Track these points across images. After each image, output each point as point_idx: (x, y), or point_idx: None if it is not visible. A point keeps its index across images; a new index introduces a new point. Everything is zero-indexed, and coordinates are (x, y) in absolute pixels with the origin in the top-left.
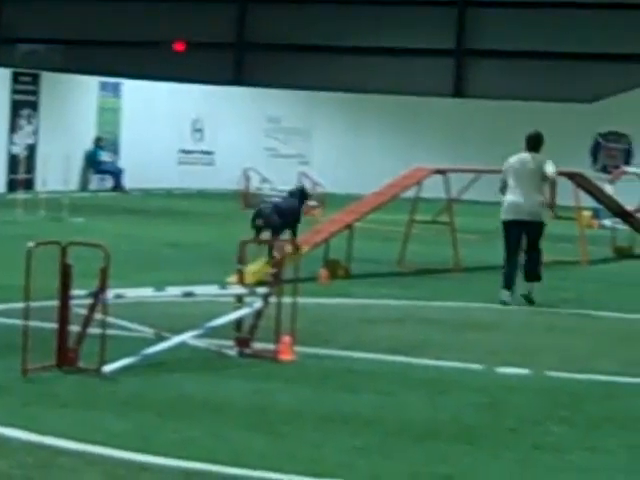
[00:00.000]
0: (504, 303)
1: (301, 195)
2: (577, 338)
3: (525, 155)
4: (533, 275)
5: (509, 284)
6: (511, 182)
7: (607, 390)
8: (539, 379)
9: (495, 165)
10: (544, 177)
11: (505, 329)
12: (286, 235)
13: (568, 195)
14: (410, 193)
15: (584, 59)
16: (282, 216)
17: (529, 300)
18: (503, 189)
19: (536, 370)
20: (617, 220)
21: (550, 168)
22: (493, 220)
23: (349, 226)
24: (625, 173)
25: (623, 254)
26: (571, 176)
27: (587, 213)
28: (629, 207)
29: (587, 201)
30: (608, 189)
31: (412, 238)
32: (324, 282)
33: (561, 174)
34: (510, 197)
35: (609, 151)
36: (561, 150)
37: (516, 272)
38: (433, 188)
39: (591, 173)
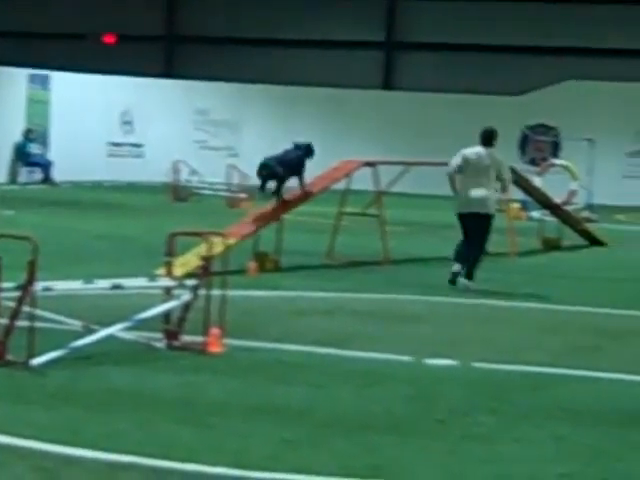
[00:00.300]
0: (455, 274)
1: (307, 149)
2: (505, 329)
3: (481, 150)
4: (468, 265)
5: (459, 260)
6: (466, 176)
7: (534, 381)
8: (467, 370)
9: (424, 157)
10: (499, 175)
11: (433, 321)
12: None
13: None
14: (340, 185)
15: (512, 52)
16: (286, 167)
17: (452, 280)
18: (452, 180)
19: (464, 361)
20: (545, 212)
21: (508, 174)
22: (422, 212)
23: (278, 218)
24: (553, 165)
25: (551, 246)
26: None
27: (515, 205)
28: (557, 199)
29: (515, 193)
30: (536, 181)
31: (341, 230)
32: (253, 274)
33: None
34: (464, 191)
35: (537, 144)
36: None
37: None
38: (362, 180)
39: (519, 166)
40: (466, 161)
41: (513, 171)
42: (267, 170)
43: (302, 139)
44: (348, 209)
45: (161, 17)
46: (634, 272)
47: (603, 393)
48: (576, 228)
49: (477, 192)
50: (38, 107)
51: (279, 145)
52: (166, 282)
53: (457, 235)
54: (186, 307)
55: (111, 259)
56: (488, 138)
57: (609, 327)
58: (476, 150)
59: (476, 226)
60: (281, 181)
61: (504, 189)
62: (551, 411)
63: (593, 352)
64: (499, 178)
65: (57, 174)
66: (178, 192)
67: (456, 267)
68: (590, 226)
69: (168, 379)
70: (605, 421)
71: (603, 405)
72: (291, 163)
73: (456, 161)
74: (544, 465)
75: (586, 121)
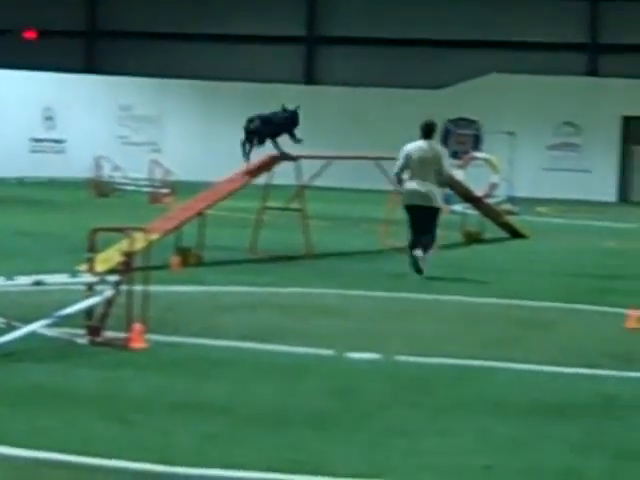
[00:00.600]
0: (415, 258)
1: (293, 114)
2: (427, 322)
3: (422, 143)
4: (425, 247)
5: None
6: (410, 170)
7: (456, 373)
8: (389, 364)
9: (346, 151)
10: (440, 170)
11: (355, 314)
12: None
13: None
14: (262, 180)
15: (434, 46)
16: (270, 126)
17: (417, 267)
18: (400, 174)
19: (386, 355)
20: (467, 205)
21: (447, 170)
22: (344, 206)
23: (201, 213)
24: (474, 159)
25: (472, 239)
26: None
27: None
28: (478, 192)
29: None
30: (458, 175)
31: (264, 225)
32: (176, 270)
33: None
34: (409, 184)
35: (459, 137)
36: (411, 136)
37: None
38: (284, 175)
39: None
40: (409, 157)
41: None
42: (253, 124)
43: (230, 133)
44: (270, 204)
45: (82, 12)
46: (555, 264)
47: (525, 385)
48: (497, 221)
49: (421, 186)
50: None
51: (202, 140)
52: (88, 278)
53: (378, 229)
54: (108, 303)
55: (33, 255)
56: (428, 131)
57: (531, 319)
58: (418, 144)
59: (423, 218)
60: (261, 140)
61: (441, 184)
62: (474, 403)
63: (515, 344)
64: (438, 172)
65: None
66: (101, 188)
67: (418, 252)
68: (511, 219)
69: (91, 375)
70: (527, 413)
71: (525, 397)
72: (275, 123)
73: (399, 163)
74: (467, 457)
75: (507, 114)
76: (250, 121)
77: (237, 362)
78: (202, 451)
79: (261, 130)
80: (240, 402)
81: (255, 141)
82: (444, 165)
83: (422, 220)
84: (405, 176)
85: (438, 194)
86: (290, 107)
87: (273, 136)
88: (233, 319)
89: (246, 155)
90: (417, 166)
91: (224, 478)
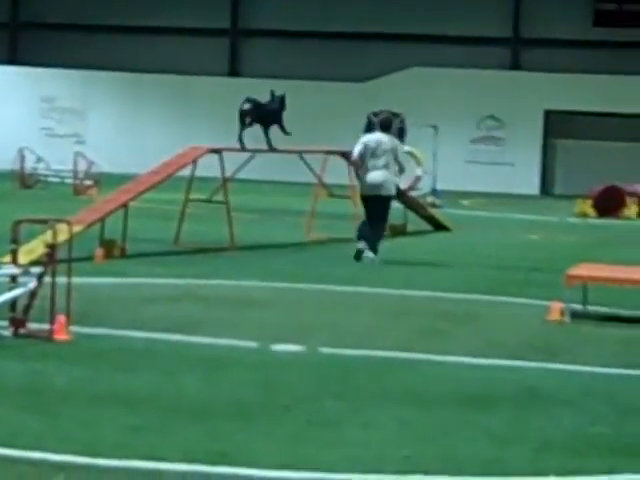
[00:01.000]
0: (358, 250)
1: (281, 100)
2: (351, 314)
3: (380, 136)
4: (371, 243)
5: (363, 238)
6: (367, 161)
7: (380, 365)
8: (313, 355)
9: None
10: (397, 160)
11: (280, 306)
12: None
13: (342, 174)
14: (186, 172)
15: (357, 39)
16: (262, 111)
17: (357, 257)
18: (357, 165)
19: (310, 347)
20: None
21: (403, 160)
22: (268, 199)
23: (124, 205)
24: None
25: (396, 231)
26: (344, 155)
27: None
28: (402, 185)
29: None
30: None
31: (188, 217)
32: (100, 262)
33: (335, 153)
34: (367, 175)
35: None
36: (336, 129)
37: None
38: (209, 167)
39: None
40: (367, 148)
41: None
42: (246, 105)
43: (155, 125)
44: (194, 196)
45: (4, 4)
46: (478, 257)
47: (447, 376)
48: (421, 213)
49: (377, 176)
50: None
51: (126, 132)
52: (11, 270)
53: (302, 222)
54: (32, 295)
55: None
56: (386, 125)
57: (454, 311)
58: (376, 137)
59: (377, 206)
60: (250, 122)
61: (401, 171)
62: (397, 395)
63: (438, 336)
64: (396, 162)
65: None
66: (24, 180)
67: (361, 244)
68: (435, 211)
69: (14, 367)
70: (449, 404)
71: (447, 388)
72: (266, 111)
73: (358, 150)
74: (389, 448)
75: (430, 108)
76: (244, 102)
77: (161, 354)
78: (126, 443)
79: (253, 111)
80: (164, 394)
81: (247, 121)
82: (400, 156)
83: (374, 207)
84: (361, 170)
85: (394, 183)
86: (278, 93)
87: (264, 123)
88: (157, 311)
89: (240, 139)
90: (373, 157)
91: (148, 470)
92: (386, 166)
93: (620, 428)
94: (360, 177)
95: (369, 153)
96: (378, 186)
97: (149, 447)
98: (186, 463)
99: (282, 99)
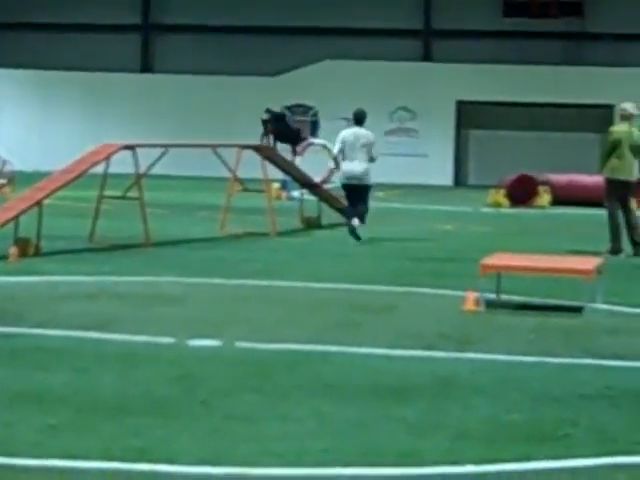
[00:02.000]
0: (353, 226)
1: (313, 123)
2: (267, 308)
3: (357, 130)
4: (361, 217)
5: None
6: (346, 153)
7: (296, 358)
8: (229, 350)
9: (183, 139)
10: (371, 151)
11: (196, 302)
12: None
13: (256, 168)
14: (99, 169)
15: (269, 33)
16: (280, 125)
17: (355, 235)
18: (336, 158)
19: (227, 341)
20: (304, 191)
21: (375, 152)
22: (182, 194)
23: (39, 203)
24: (312, 145)
25: (311, 224)
26: (258, 149)
27: (275, 185)
28: (316, 178)
29: (275, 173)
30: (295, 161)
31: (103, 214)
32: (14, 260)
33: (249, 147)
34: (346, 165)
35: (296, 123)
36: (249, 123)
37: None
38: (122, 164)
39: (278, 145)
40: (345, 142)
41: (269, 149)
42: (265, 115)
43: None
44: (108, 192)
45: None
46: (392, 248)
47: (363, 368)
48: (336, 206)
49: (357, 167)
50: None
51: (39, 130)
52: None
53: (217, 216)
54: None
55: None
56: (360, 119)
57: (368, 303)
58: (353, 130)
59: (358, 194)
60: (266, 132)
61: (372, 161)
62: (313, 388)
63: (354, 328)
64: (370, 153)
65: None
66: None
67: (355, 221)
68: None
69: None
70: (366, 395)
71: (363, 380)
72: (285, 128)
73: (338, 148)
74: (307, 441)
75: (343, 100)
76: (265, 111)
77: (77, 351)
78: (43, 442)
79: (270, 122)
80: (81, 391)
81: (266, 130)
82: (374, 146)
83: (356, 195)
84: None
85: (370, 172)
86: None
87: (279, 137)
88: (73, 309)
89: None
90: (352, 150)
91: (67, 468)
92: (364, 158)
93: (534, 416)
94: (339, 168)
95: (348, 146)
96: (358, 177)
97: (67, 445)
98: (105, 461)
99: (314, 122)
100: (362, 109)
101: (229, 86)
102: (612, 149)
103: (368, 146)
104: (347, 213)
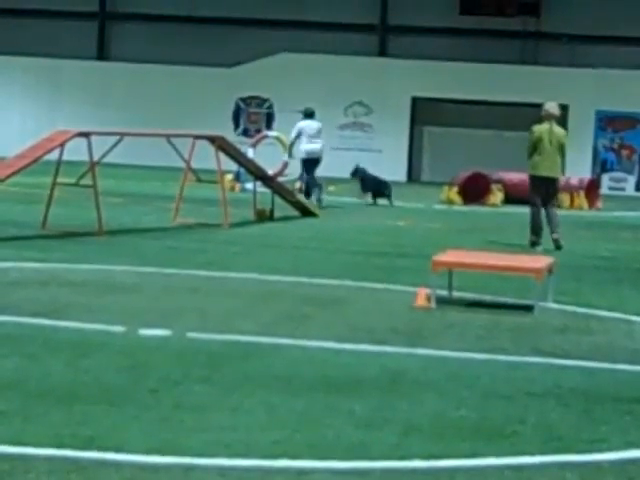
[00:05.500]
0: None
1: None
2: (218, 299)
3: (310, 122)
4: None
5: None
6: (306, 137)
7: (246, 350)
8: (180, 340)
9: (138, 128)
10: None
11: (147, 291)
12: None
13: (210, 159)
14: (53, 156)
15: (225, 24)
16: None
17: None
18: (293, 144)
19: (178, 331)
20: (258, 183)
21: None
22: (135, 183)
23: None
24: (266, 137)
25: (264, 217)
26: (212, 140)
27: (229, 176)
28: (270, 171)
29: (229, 165)
30: (249, 153)
31: (56, 201)
32: None
33: (203, 138)
34: (308, 146)
35: (250, 115)
36: (203, 114)
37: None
38: (76, 151)
39: (232, 137)
40: (303, 129)
41: (224, 140)
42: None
43: (21, 105)
44: (62, 180)
45: None
46: (344, 243)
47: (313, 361)
48: (288, 199)
49: (317, 147)
50: None
51: None
52: None
53: (170, 206)
54: None
55: None
56: (311, 113)
57: (319, 296)
58: (307, 122)
59: (315, 167)
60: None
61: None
62: (263, 379)
63: (303, 321)
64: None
65: None
66: None
67: (318, 193)
68: (302, 197)
69: None
70: (314, 388)
71: (313, 373)
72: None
73: (294, 133)
74: (256, 433)
75: (299, 93)
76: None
77: (27, 338)
78: None
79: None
80: (30, 378)
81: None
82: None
83: (314, 168)
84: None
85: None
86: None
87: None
88: (24, 295)
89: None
90: (312, 135)
91: (15, 455)
92: (318, 140)
93: (483, 412)
94: (292, 156)
95: (307, 132)
96: (318, 153)
97: (15, 432)
98: (53, 448)
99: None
100: (311, 107)
101: (185, 76)
102: (534, 147)
103: (320, 132)
104: (311, 184)
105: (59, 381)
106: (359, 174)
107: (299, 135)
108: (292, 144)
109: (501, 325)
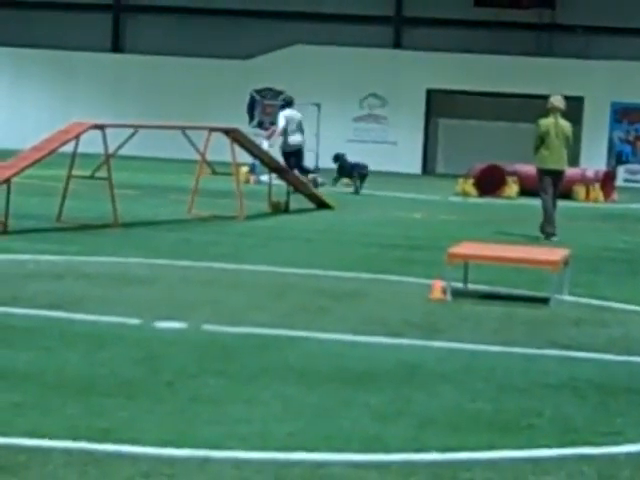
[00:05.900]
0: (316, 182)
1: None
2: (233, 292)
3: (292, 111)
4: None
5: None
6: (291, 128)
7: (262, 342)
8: (195, 332)
9: (153, 120)
10: (301, 127)
11: (162, 284)
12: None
13: (225, 151)
14: (68, 148)
15: (240, 16)
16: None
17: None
18: (282, 134)
19: (193, 324)
20: (273, 176)
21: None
22: (150, 175)
23: (7, 181)
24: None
25: (279, 209)
26: (227, 132)
27: (244, 169)
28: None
29: (244, 157)
30: (264, 145)
31: (71, 193)
32: None
33: (218, 130)
34: (291, 139)
35: (265, 108)
36: (218, 106)
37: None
38: (91, 143)
39: (247, 129)
40: (290, 121)
41: (239, 133)
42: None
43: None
44: (77, 172)
45: None
46: (360, 235)
47: (329, 353)
48: (304, 192)
49: (298, 138)
50: None
51: (8, 108)
52: None
53: (185, 199)
54: None
55: None
56: (291, 102)
57: (334, 289)
58: (291, 111)
59: (297, 158)
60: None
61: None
62: (278, 372)
63: (319, 313)
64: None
65: None
66: None
67: (312, 176)
68: (317, 190)
69: None
70: (330, 380)
71: (329, 365)
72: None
73: (282, 123)
74: (272, 424)
75: (313, 86)
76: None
77: (43, 331)
78: (8, 420)
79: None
80: (46, 371)
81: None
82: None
83: (296, 158)
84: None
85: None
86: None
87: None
88: (39, 288)
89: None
90: (295, 126)
91: (32, 447)
92: (300, 131)
93: (499, 404)
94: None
95: (292, 123)
96: (299, 145)
97: (31, 424)
98: (70, 440)
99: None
100: (290, 95)
101: (200, 68)
102: (541, 141)
103: (301, 123)
104: (305, 169)
105: (75, 374)
106: (340, 161)
107: (286, 125)
108: (286, 133)
109: (516, 317)
